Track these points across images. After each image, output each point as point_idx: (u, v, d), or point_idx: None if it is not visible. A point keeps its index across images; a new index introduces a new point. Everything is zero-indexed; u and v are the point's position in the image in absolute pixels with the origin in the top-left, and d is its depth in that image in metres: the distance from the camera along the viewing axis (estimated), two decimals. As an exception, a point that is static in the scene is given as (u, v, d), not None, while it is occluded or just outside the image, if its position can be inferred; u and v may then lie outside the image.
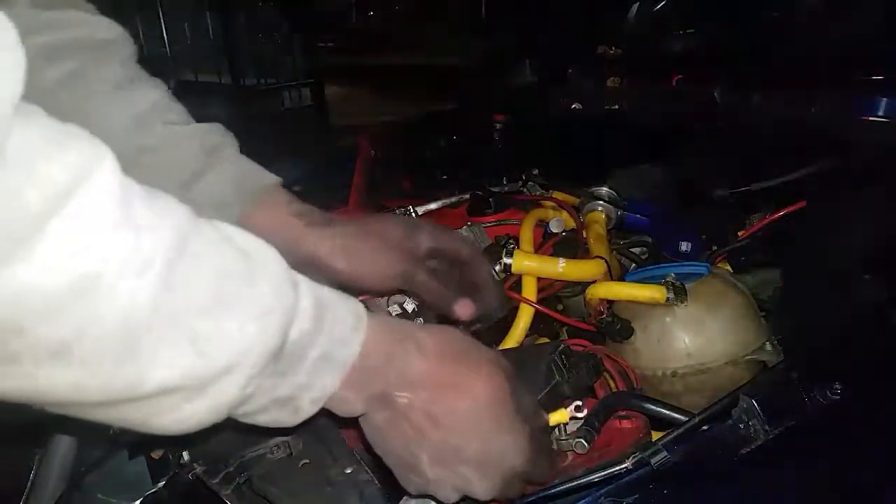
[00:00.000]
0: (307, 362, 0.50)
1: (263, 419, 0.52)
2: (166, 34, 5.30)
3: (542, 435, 0.61)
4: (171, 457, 0.74)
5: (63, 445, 0.83)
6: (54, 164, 0.36)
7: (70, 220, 0.37)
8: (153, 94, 0.77)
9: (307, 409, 0.52)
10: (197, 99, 0.99)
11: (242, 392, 0.46)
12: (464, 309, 0.78)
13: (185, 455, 0.73)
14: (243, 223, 0.72)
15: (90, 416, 0.44)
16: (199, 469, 0.70)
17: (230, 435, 0.74)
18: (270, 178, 0.79)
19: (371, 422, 0.57)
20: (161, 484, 0.72)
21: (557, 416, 0.64)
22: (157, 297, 0.40)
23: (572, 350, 0.74)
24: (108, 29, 0.76)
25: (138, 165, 0.71)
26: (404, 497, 0.61)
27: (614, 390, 0.81)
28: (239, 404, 0.48)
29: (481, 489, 0.57)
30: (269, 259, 0.48)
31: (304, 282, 0.51)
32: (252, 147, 0.83)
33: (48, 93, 0.70)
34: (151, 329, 0.40)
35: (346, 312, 0.53)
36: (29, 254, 0.36)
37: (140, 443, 0.78)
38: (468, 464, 0.56)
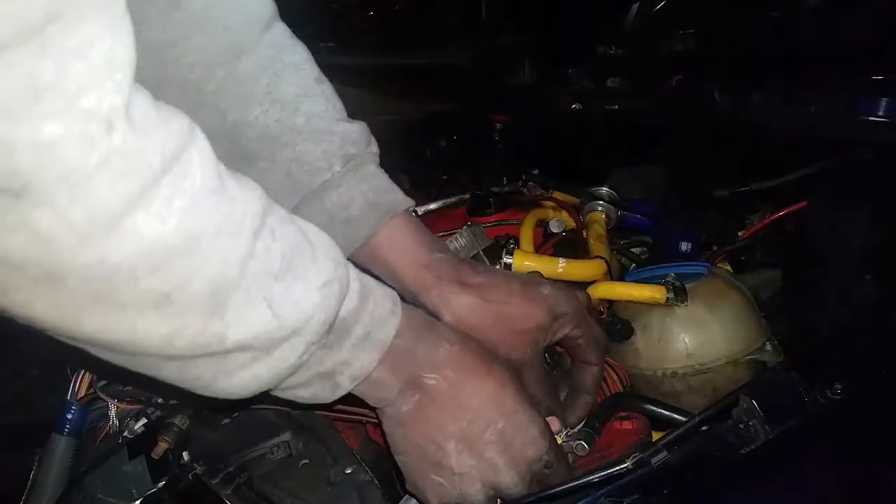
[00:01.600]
0: (351, 338, 0.54)
1: (304, 393, 0.55)
2: (166, 34, 5.29)
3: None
4: (171, 457, 0.74)
5: (63, 445, 0.83)
6: (163, 131, 0.41)
7: (178, 182, 0.41)
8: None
9: (345, 386, 0.55)
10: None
11: (300, 359, 0.50)
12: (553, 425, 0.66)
13: (185, 455, 0.73)
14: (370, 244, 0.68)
15: (164, 372, 0.48)
16: (199, 469, 0.70)
17: (230, 435, 0.74)
18: (403, 201, 0.71)
19: (397, 414, 0.58)
20: (161, 484, 0.72)
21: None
22: (244, 260, 0.45)
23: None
24: None
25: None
26: (404, 497, 0.61)
27: (606, 388, 0.81)
28: (293, 371, 0.51)
29: (509, 478, 0.57)
30: (326, 241, 0.53)
31: (351, 265, 0.55)
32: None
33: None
34: (238, 288, 0.45)
35: (385, 297, 0.57)
36: (150, 206, 0.40)
37: (140, 443, 0.78)
38: (495, 446, 0.57)
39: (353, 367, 0.55)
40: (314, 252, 0.51)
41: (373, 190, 0.69)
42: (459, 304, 0.66)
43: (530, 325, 0.67)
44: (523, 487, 0.58)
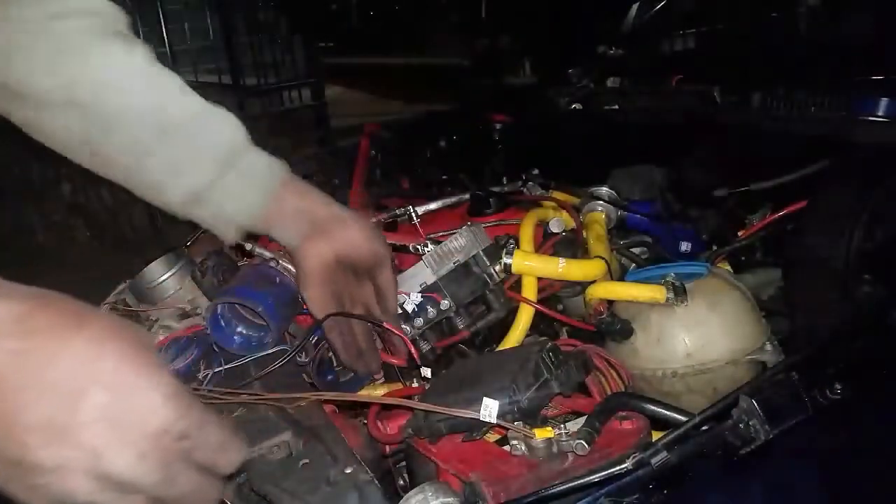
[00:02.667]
0: None
1: None
2: (166, 34, 5.30)
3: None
4: (171, 457, 0.74)
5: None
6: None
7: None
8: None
9: None
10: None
11: None
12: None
13: (185, 455, 0.73)
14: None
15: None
16: (199, 469, 0.70)
17: (230, 435, 0.74)
18: (285, 166, 0.88)
19: None
20: (161, 484, 0.72)
21: (544, 433, 0.64)
22: None
23: (560, 348, 0.74)
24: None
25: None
26: (404, 497, 0.61)
27: (606, 387, 0.81)
28: None
29: (123, 461, 0.45)
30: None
31: None
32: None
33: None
34: None
35: None
36: None
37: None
38: (96, 425, 0.45)
39: None
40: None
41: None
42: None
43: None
44: (153, 468, 0.46)
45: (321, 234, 0.84)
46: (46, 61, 0.77)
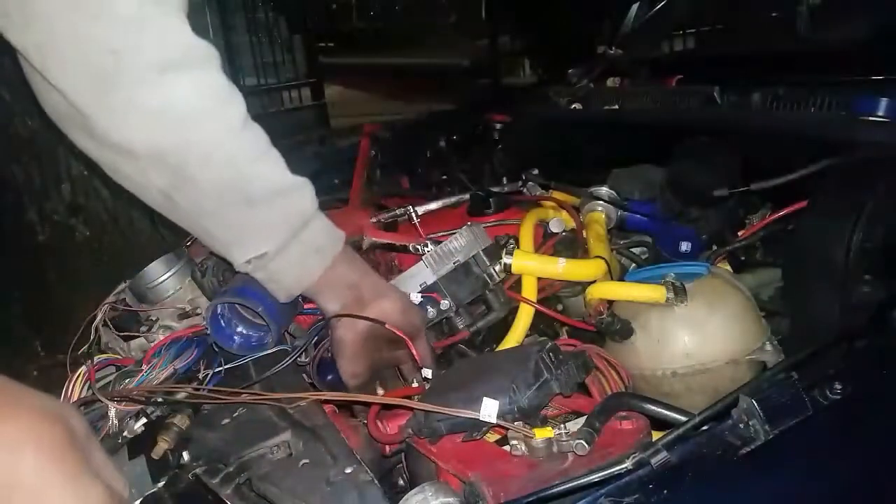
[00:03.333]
0: None
1: None
2: (166, 34, 5.29)
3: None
4: (171, 457, 0.74)
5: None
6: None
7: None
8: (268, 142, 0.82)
9: None
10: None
11: None
12: None
13: (185, 455, 0.73)
14: None
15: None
16: (199, 469, 0.70)
17: (230, 435, 0.74)
18: (342, 234, 0.87)
19: None
20: (161, 484, 0.72)
21: (544, 433, 0.64)
22: None
23: (560, 348, 0.74)
24: None
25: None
26: (404, 497, 0.61)
27: (606, 387, 0.81)
28: None
29: None
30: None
31: None
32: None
33: None
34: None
35: None
36: None
37: (140, 443, 0.78)
38: None
39: None
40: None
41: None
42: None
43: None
44: None
45: (359, 305, 0.84)
46: (146, 115, 0.70)
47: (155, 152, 0.72)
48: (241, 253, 0.80)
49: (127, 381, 0.86)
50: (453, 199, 1.18)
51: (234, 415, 0.77)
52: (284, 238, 0.80)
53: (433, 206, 1.17)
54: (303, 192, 0.81)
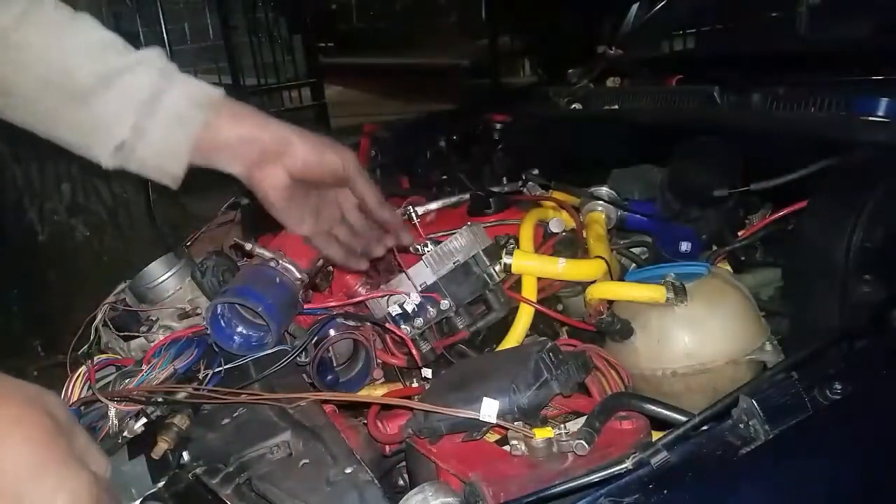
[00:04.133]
0: None
1: None
2: (166, 34, 5.30)
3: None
4: (171, 457, 0.74)
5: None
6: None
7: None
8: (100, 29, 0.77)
9: None
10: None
11: None
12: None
13: (185, 455, 0.73)
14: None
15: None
16: (199, 469, 0.70)
17: (230, 435, 0.75)
18: (218, 92, 0.79)
19: None
20: (161, 484, 0.72)
21: (544, 433, 0.64)
22: None
23: (560, 348, 0.75)
24: None
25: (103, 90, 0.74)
26: (404, 497, 0.61)
27: (606, 387, 0.81)
28: None
29: None
30: None
31: None
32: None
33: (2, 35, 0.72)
34: None
35: None
36: None
37: (140, 443, 0.78)
38: None
39: None
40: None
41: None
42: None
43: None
44: None
45: (266, 158, 0.77)
46: None
47: None
48: (101, 150, 0.73)
49: (127, 381, 0.86)
50: (453, 199, 1.19)
51: (234, 415, 0.77)
52: (135, 119, 0.72)
53: (433, 206, 1.17)
54: (136, 70, 0.73)
